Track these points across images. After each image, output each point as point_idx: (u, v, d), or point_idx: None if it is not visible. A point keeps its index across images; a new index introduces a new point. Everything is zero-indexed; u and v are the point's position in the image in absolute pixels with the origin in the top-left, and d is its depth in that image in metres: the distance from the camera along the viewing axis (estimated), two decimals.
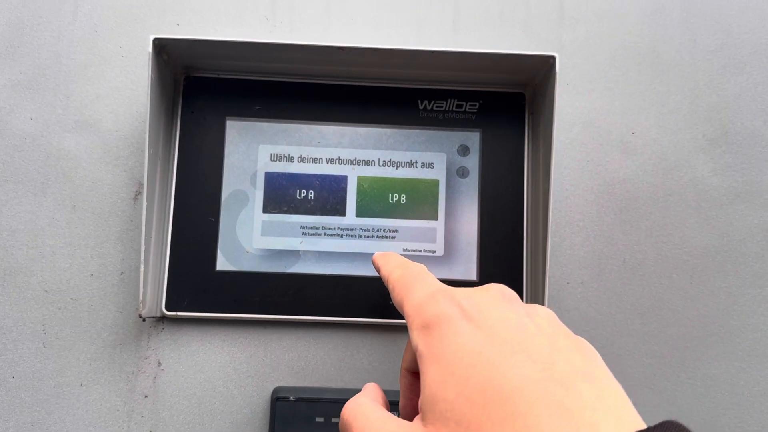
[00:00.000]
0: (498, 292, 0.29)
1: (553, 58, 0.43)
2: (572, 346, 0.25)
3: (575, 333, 0.27)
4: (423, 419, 0.25)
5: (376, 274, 0.46)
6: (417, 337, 0.27)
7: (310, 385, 0.46)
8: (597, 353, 0.26)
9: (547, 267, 0.42)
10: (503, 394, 0.22)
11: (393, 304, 0.45)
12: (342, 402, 0.44)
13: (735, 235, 0.48)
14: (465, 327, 0.26)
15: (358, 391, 0.45)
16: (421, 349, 0.27)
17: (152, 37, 0.42)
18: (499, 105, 0.48)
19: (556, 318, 0.28)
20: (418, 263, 0.35)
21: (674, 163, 0.49)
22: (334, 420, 0.44)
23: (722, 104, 0.49)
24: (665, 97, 0.49)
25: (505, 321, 0.26)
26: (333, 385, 0.46)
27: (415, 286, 0.31)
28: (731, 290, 0.48)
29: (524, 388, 0.22)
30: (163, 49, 0.44)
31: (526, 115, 0.48)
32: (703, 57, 0.50)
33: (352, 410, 0.29)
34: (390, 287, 0.34)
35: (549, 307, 0.45)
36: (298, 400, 0.44)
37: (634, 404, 0.23)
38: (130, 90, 0.48)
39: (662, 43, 0.50)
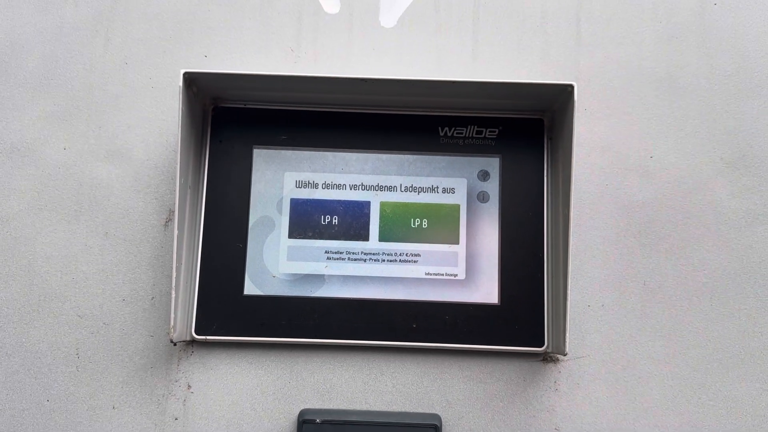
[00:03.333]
0: None
1: (571, 86, 0.44)
2: None
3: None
4: None
5: (399, 298, 0.47)
6: None
7: (335, 407, 0.47)
8: None
9: (569, 290, 0.43)
10: None
11: (416, 327, 0.46)
12: (365, 425, 0.45)
13: (754, 257, 0.48)
14: None
15: (383, 413, 0.46)
16: None
17: (183, 71, 0.43)
18: (518, 131, 0.49)
19: None
20: None
21: (692, 186, 0.49)
22: None
23: (739, 127, 0.50)
24: (683, 122, 0.50)
25: None
26: (358, 407, 0.47)
27: None
28: (751, 312, 0.48)
29: None
30: (192, 82, 0.45)
31: (545, 141, 0.49)
32: (719, 81, 0.51)
33: None
34: None
35: (570, 330, 0.46)
36: (324, 422, 0.45)
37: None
38: (160, 120, 0.50)
39: (679, 69, 0.51)
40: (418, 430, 0.45)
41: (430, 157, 0.49)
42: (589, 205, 0.49)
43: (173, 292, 0.43)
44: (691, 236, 0.49)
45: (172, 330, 0.43)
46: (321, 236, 0.48)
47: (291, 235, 0.48)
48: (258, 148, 0.49)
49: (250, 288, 0.47)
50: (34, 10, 0.51)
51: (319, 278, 0.48)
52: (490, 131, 0.49)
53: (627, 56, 0.51)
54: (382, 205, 0.49)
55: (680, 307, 0.48)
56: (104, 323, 0.47)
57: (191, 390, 0.47)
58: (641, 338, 0.48)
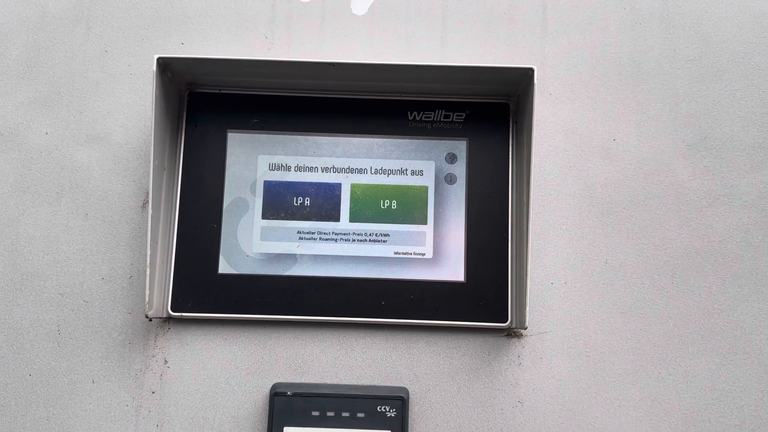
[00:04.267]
0: None
1: (531, 70, 0.45)
2: None
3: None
4: None
5: (369, 276, 0.49)
6: None
7: (307, 381, 0.49)
8: None
9: (528, 268, 0.45)
10: None
11: (385, 304, 0.48)
12: (335, 397, 0.47)
13: (714, 236, 0.50)
14: None
15: (352, 386, 0.48)
16: None
17: (156, 56, 0.45)
18: (484, 115, 0.51)
19: None
20: None
21: (654, 167, 0.51)
22: (328, 414, 0.46)
23: (701, 111, 0.51)
24: (646, 105, 0.52)
25: None
26: (328, 381, 0.48)
27: None
28: (711, 289, 0.49)
29: None
30: (167, 67, 0.47)
31: (511, 124, 0.51)
32: (682, 66, 0.52)
33: None
34: None
35: (533, 306, 0.48)
36: (295, 395, 0.47)
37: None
38: (139, 105, 0.51)
39: (642, 54, 0.52)
40: (385, 402, 0.47)
41: (400, 140, 0.51)
42: (553, 187, 0.51)
43: (148, 269, 0.45)
44: (653, 216, 0.50)
45: (147, 306, 0.45)
46: (293, 217, 0.50)
47: (264, 216, 0.50)
48: (232, 132, 0.51)
49: (224, 267, 0.49)
50: (17, 0, 0.53)
51: (291, 257, 0.50)
52: (457, 115, 0.51)
53: (591, 42, 0.52)
54: (353, 186, 0.50)
55: (641, 285, 0.49)
56: (84, 301, 0.49)
57: (168, 365, 0.48)
58: (603, 314, 0.49)
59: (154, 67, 0.45)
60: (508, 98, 0.51)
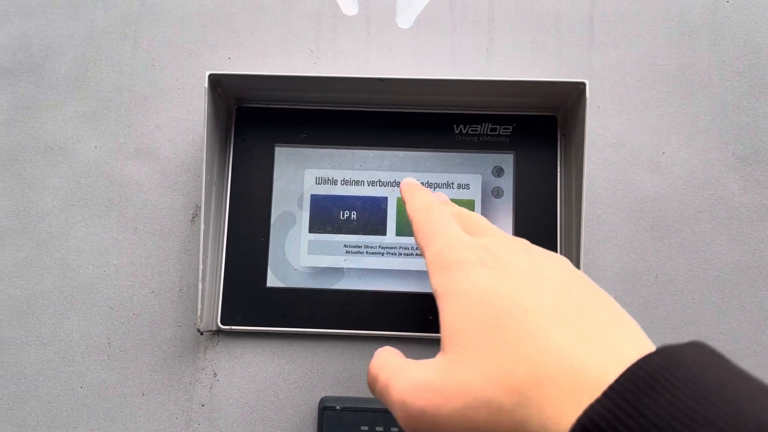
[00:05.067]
0: (517, 243, 0.30)
1: (583, 84, 0.45)
2: (587, 282, 0.27)
3: None
4: (442, 351, 0.26)
5: (416, 290, 0.49)
6: (435, 281, 0.28)
7: (355, 395, 0.49)
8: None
9: None
10: (517, 317, 0.23)
11: (432, 318, 0.48)
12: (384, 411, 0.47)
13: (766, 251, 0.49)
14: (481, 269, 0.27)
15: None
16: (438, 290, 0.28)
17: (208, 72, 0.45)
18: (532, 128, 0.51)
19: (572, 265, 0.28)
20: (441, 206, 0.35)
21: (704, 181, 0.50)
22: (377, 429, 0.46)
23: (751, 123, 0.51)
24: (695, 118, 0.51)
25: (520, 263, 0.27)
26: None
27: (438, 235, 0.31)
28: (764, 305, 0.49)
29: (539, 312, 0.23)
30: (217, 83, 0.47)
31: (559, 137, 0.50)
32: (731, 78, 0.51)
33: (379, 364, 0.29)
34: (413, 227, 0.34)
35: None
36: (344, 409, 0.47)
37: None
38: (187, 120, 0.52)
39: (691, 66, 0.52)
40: None
41: (446, 154, 0.51)
42: (602, 201, 0.50)
43: (200, 284, 0.45)
44: (703, 230, 0.50)
45: (199, 320, 0.45)
46: (340, 231, 0.50)
47: (311, 230, 0.50)
48: (279, 146, 0.51)
49: (272, 280, 0.49)
50: (65, 16, 0.53)
51: (338, 271, 0.50)
52: (504, 128, 0.51)
53: (639, 54, 0.52)
54: (399, 200, 0.50)
55: (691, 300, 0.49)
56: (134, 314, 0.50)
57: (217, 378, 0.49)
58: (653, 331, 0.49)
59: (206, 84, 0.45)
60: (556, 111, 0.50)
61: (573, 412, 0.19)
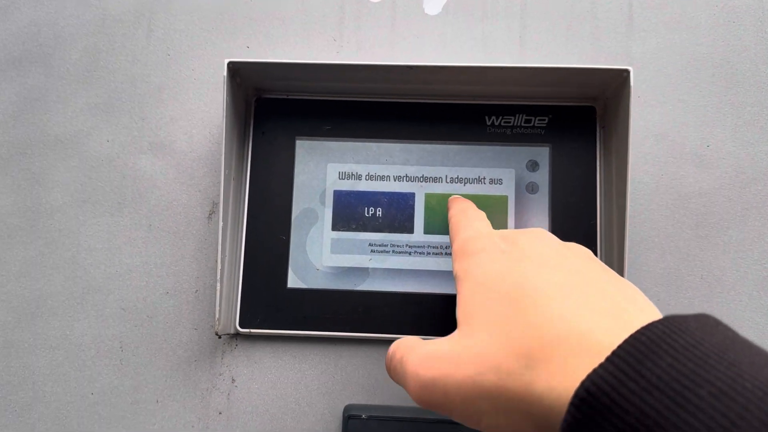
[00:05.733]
0: (536, 233, 0.32)
1: (627, 71, 0.42)
2: (601, 264, 0.28)
3: None
4: (458, 327, 0.27)
5: (445, 292, 0.46)
6: (457, 267, 0.31)
7: (381, 403, 0.46)
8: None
9: None
10: (528, 292, 0.25)
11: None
12: (411, 421, 0.44)
13: None
14: (499, 255, 0.29)
15: (428, 410, 0.45)
16: (458, 274, 0.30)
17: (227, 60, 0.43)
18: (568, 119, 0.48)
19: (590, 251, 0.30)
20: (479, 210, 0.39)
21: (752, 176, 0.47)
22: None
23: None
24: (741, 109, 0.48)
25: (535, 248, 0.29)
26: (403, 403, 0.46)
27: (466, 228, 0.34)
28: None
29: (549, 286, 0.25)
30: (236, 72, 0.44)
31: (597, 129, 0.47)
32: None
33: (396, 343, 0.31)
34: (449, 227, 0.38)
35: None
36: (370, 418, 0.44)
37: None
38: (203, 112, 0.49)
39: (736, 54, 0.49)
40: (462, 428, 0.44)
41: (477, 147, 0.48)
42: (644, 196, 0.47)
43: (218, 285, 0.42)
44: (751, 228, 0.47)
45: (217, 323, 0.43)
46: (365, 228, 0.47)
47: (334, 228, 0.47)
48: (301, 139, 0.48)
49: (293, 281, 0.47)
50: (76, 3, 0.51)
51: (363, 271, 0.47)
52: (539, 120, 0.48)
53: (681, 41, 0.49)
54: (427, 196, 0.48)
55: (739, 302, 0.46)
56: (148, 316, 0.47)
57: (235, 384, 0.46)
58: None
59: (225, 73, 0.42)
60: (595, 101, 0.48)
61: (578, 375, 0.20)
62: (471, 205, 0.40)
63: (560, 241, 0.31)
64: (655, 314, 0.24)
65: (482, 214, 0.37)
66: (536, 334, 0.23)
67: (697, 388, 0.17)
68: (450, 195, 0.47)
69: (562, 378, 0.21)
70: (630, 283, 0.26)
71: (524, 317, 0.24)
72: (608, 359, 0.19)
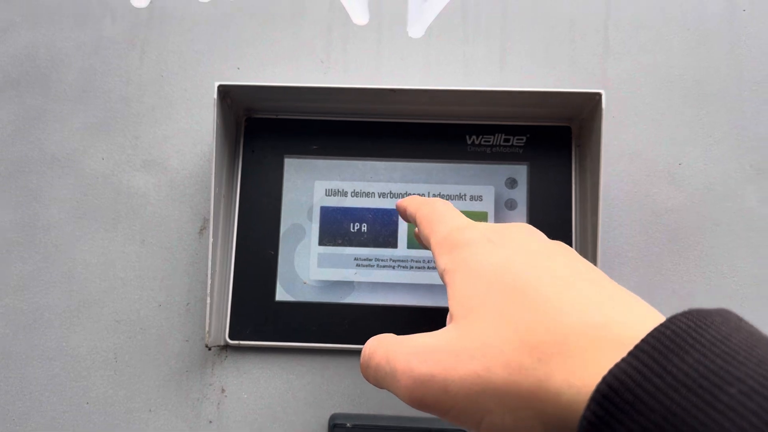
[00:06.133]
0: (523, 227, 0.30)
1: (599, 94, 0.44)
2: (591, 265, 0.26)
3: None
4: (452, 322, 0.25)
5: (428, 304, 0.48)
6: (444, 260, 0.28)
7: (366, 412, 0.48)
8: None
9: None
10: (533, 283, 0.23)
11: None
12: (397, 429, 0.46)
13: None
14: (490, 246, 0.27)
15: (412, 418, 0.47)
16: (447, 267, 0.28)
17: (217, 83, 0.45)
18: (545, 139, 0.50)
19: (576, 252, 0.28)
20: (444, 201, 0.36)
21: (722, 193, 0.49)
22: None
23: None
24: (711, 128, 0.50)
25: (527, 242, 0.27)
26: (388, 412, 0.47)
27: (443, 220, 0.32)
28: None
29: (552, 283, 0.23)
30: (226, 94, 0.46)
31: (573, 148, 0.49)
32: (748, 88, 0.50)
33: (374, 341, 0.29)
34: (418, 221, 0.35)
35: None
36: (354, 427, 0.46)
37: None
38: (195, 131, 0.51)
39: (708, 75, 0.51)
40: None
41: (458, 165, 0.50)
42: (617, 212, 0.49)
43: (209, 298, 0.44)
44: (721, 243, 0.49)
45: (207, 335, 0.44)
46: (350, 243, 0.49)
47: (321, 243, 0.49)
48: (289, 158, 0.50)
49: (281, 294, 0.48)
50: (73, 26, 0.53)
51: (348, 285, 0.49)
52: (517, 139, 0.50)
53: (655, 63, 0.51)
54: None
55: None
56: (141, 328, 0.49)
57: (225, 394, 0.48)
58: None
59: (215, 95, 0.44)
60: (570, 121, 0.50)
61: (598, 369, 0.19)
62: (433, 199, 0.36)
63: (546, 237, 0.30)
64: (655, 311, 0.23)
65: (450, 204, 0.34)
66: (548, 327, 0.21)
67: (726, 386, 0.16)
68: None
69: (581, 373, 0.19)
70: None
71: (532, 309, 0.22)
72: (632, 353, 0.18)
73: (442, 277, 0.28)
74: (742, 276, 0.48)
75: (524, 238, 0.28)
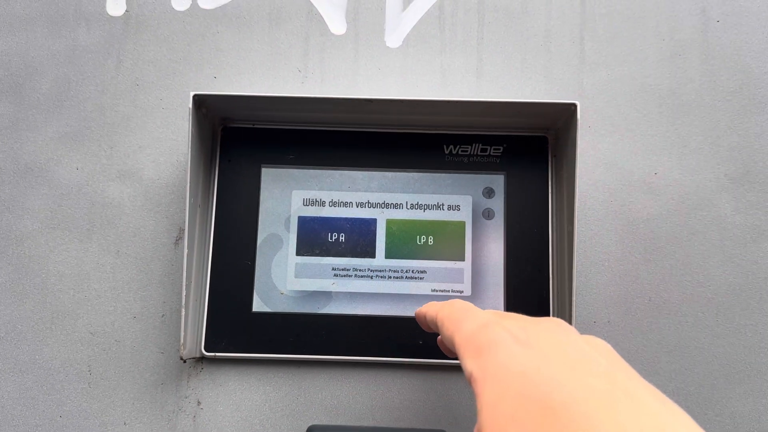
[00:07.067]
0: (553, 322, 0.29)
1: (574, 105, 0.44)
2: (630, 368, 0.26)
3: None
4: None
5: (406, 314, 0.48)
6: (470, 364, 0.27)
7: (343, 423, 0.47)
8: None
9: (573, 307, 0.43)
10: (563, 408, 0.22)
11: (423, 343, 0.47)
12: None
13: (759, 272, 0.49)
14: (519, 349, 0.25)
15: (389, 429, 0.46)
16: (474, 374, 0.26)
17: (192, 93, 0.44)
18: (522, 148, 0.50)
19: (611, 347, 0.28)
20: (463, 300, 0.35)
21: (697, 202, 0.50)
22: None
23: (743, 144, 0.50)
24: (686, 138, 0.50)
25: (560, 344, 0.26)
26: (365, 423, 0.47)
27: (466, 319, 0.30)
28: (757, 327, 0.48)
29: (586, 400, 0.22)
30: (202, 103, 0.46)
31: (549, 158, 0.50)
32: (723, 98, 0.51)
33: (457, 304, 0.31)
34: (439, 324, 0.33)
35: None
36: None
37: None
38: (171, 140, 0.51)
39: (682, 86, 0.51)
40: None
41: (436, 174, 0.50)
42: (594, 222, 0.50)
43: (183, 310, 0.44)
44: (696, 252, 0.49)
45: (182, 347, 0.44)
46: (328, 253, 0.49)
47: (299, 253, 0.49)
48: (266, 167, 0.50)
49: (258, 305, 0.48)
50: (47, 34, 0.52)
51: (326, 295, 0.48)
52: (494, 149, 0.50)
53: (630, 74, 0.51)
54: (389, 222, 0.49)
55: (685, 323, 0.48)
56: (116, 340, 0.48)
57: (201, 406, 0.47)
58: (647, 354, 0.48)
59: (190, 104, 0.44)
60: (547, 131, 0.50)
61: None
62: (452, 300, 0.35)
63: (579, 334, 0.28)
64: (692, 426, 0.22)
65: (470, 303, 0.33)
66: None
67: None
68: (411, 221, 0.49)
69: None
70: (655, 388, 0.25)
71: None
72: None
73: (469, 382, 0.27)
74: (718, 284, 0.49)
75: (555, 338, 0.26)
